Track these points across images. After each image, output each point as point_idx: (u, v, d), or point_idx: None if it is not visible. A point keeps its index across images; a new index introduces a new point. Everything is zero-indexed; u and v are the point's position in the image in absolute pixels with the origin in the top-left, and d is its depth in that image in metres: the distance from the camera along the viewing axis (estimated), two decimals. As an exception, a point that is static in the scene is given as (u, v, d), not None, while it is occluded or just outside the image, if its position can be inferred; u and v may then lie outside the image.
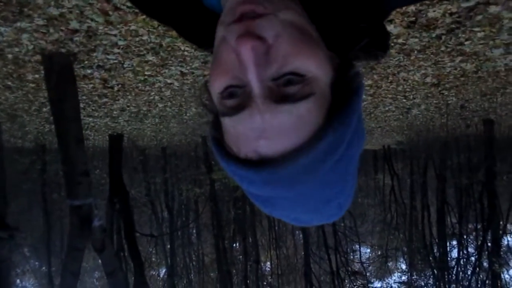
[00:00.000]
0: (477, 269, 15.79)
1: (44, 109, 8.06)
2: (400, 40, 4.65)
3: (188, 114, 9.56)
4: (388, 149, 27.55)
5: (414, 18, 4.07)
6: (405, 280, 18.94)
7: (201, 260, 19.51)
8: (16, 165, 16.27)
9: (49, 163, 17.09)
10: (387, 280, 20.01)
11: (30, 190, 17.34)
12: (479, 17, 4.06)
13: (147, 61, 5.08)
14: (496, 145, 14.70)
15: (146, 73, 5.62)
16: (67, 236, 5.42)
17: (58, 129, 4.93)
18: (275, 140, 0.42)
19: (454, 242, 18.09)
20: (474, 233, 17.64)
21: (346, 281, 18.68)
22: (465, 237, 17.85)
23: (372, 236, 22.91)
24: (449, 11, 3.92)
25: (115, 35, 4.22)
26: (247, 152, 0.44)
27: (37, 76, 5.59)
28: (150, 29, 4.10)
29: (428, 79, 6.60)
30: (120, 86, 6.33)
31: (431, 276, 17.37)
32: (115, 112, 8.78)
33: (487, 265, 15.10)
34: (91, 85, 6.21)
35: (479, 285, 15.44)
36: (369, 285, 19.46)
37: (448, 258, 17.53)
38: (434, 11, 3.90)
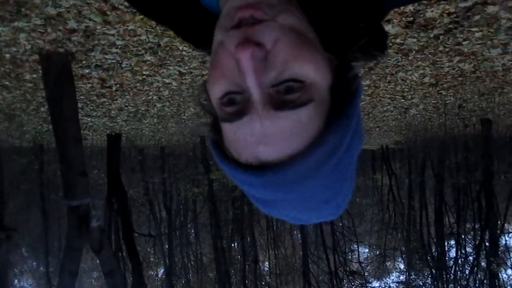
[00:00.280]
0: (475, 268, 15.82)
1: (42, 109, 8.05)
2: (398, 40, 4.65)
3: (186, 114, 9.55)
4: (386, 149, 27.58)
5: (412, 18, 4.08)
6: (403, 280, 18.96)
7: (199, 260, 19.50)
8: (14, 165, 16.25)
9: (47, 163, 17.07)
10: (385, 280, 20.03)
11: (28, 190, 17.30)
12: (476, 17, 4.07)
13: (145, 60, 5.08)
14: (494, 145, 14.75)
15: (144, 72, 5.62)
16: (65, 236, 5.42)
17: (56, 129, 4.92)
18: (275, 146, 0.42)
19: (452, 242, 18.11)
20: (472, 232, 17.67)
21: (344, 281, 18.70)
22: (463, 236, 17.88)
23: (370, 235, 22.93)
24: (447, 11, 3.93)
25: (113, 35, 4.21)
26: (247, 158, 0.44)
27: (35, 75, 5.58)
28: (148, 29, 4.10)
29: (426, 79, 6.61)
30: (118, 85, 6.32)
31: (429, 276, 17.38)
32: (113, 112, 8.77)
33: (485, 265, 15.13)
34: (89, 85, 6.20)
35: (477, 285, 15.46)
36: (367, 284, 19.48)
37: (446, 258, 17.55)
38: (432, 11, 3.90)
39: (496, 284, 14.79)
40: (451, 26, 4.28)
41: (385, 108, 9.66)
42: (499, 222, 16.34)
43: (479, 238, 16.31)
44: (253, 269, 18.48)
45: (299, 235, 20.66)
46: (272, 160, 0.42)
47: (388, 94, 7.88)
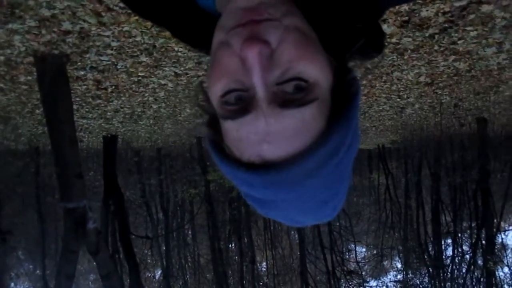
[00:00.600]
0: (472, 267, 15.88)
1: (37, 111, 8.01)
2: (393, 40, 4.67)
3: (182, 115, 9.54)
4: (382, 148, 27.65)
5: (407, 18, 4.09)
6: (401, 279, 19.01)
7: (196, 261, 19.47)
8: (9, 167, 16.17)
9: (43, 166, 16.99)
10: (382, 279, 20.08)
11: (24, 192, 17.23)
12: (471, 16, 4.08)
13: (140, 62, 5.06)
14: (490, 144, 14.81)
15: (139, 74, 5.60)
16: (62, 238, 5.40)
17: (52, 131, 4.90)
18: (278, 144, 0.42)
19: (449, 241, 18.18)
20: (468, 231, 17.74)
21: (342, 280, 18.73)
22: (459, 235, 17.95)
23: (367, 235, 22.97)
24: (442, 11, 3.94)
25: (108, 36, 4.20)
26: (250, 156, 0.44)
27: (29, 78, 5.56)
28: (144, 30, 4.09)
29: (421, 78, 6.63)
30: (113, 87, 6.31)
31: (426, 275, 17.44)
32: (109, 114, 8.75)
33: (482, 263, 15.19)
34: (85, 87, 6.18)
35: (474, 283, 15.53)
36: (364, 284, 19.52)
37: (443, 256, 17.62)
38: (427, 10, 3.92)
39: (493, 282, 14.86)
40: (446, 25, 4.30)
41: (381, 108, 9.68)
42: (495, 221, 16.42)
43: (475, 236, 16.38)
44: (251, 270, 18.48)
45: (296, 235, 20.67)
46: (275, 159, 0.42)
47: (384, 94, 7.90)
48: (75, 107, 6.53)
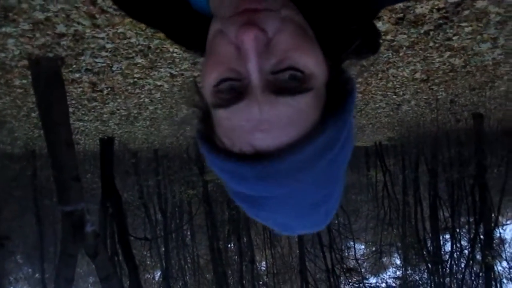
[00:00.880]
0: (471, 262, 15.94)
1: (33, 114, 7.98)
2: (388, 37, 4.67)
3: (179, 116, 9.51)
4: (379, 146, 27.67)
5: (402, 15, 4.09)
6: (400, 275, 19.05)
7: (196, 261, 19.47)
8: (6, 171, 16.12)
9: (40, 169, 16.94)
10: (382, 276, 20.12)
11: (21, 196, 17.17)
12: (466, 12, 4.09)
13: (136, 63, 5.05)
14: (486, 139, 14.86)
15: (135, 75, 5.59)
16: (60, 242, 5.37)
17: (48, 134, 4.88)
18: (272, 133, 0.41)
19: (447, 236, 18.24)
20: (466, 226, 17.80)
21: (341, 278, 18.75)
22: (457, 230, 18.01)
23: (366, 232, 23.01)
24: (436, 7, 3.95)
25: (102, 38, 4.18)
26: (241, 145, 0.43)
27: (24, 81, 5.53)
28: (138, 31, 4.07)
29: (417, 75, 6.64)
30: (109, 89, 6.29)
31: (426, 270, 17.49)
32: (105, 116, 8.72)
33: (480, 258, 15.25)
34: (80, 89, 6.16)
35: (473, 278, 15.59)
36: (364, 281, 19.55)
37: (442, 252, 17.68)
38: (422, 7, 3.92)
39: (492, 276, 14.91)
40: (441, 21, 4.30)
41: (377, 105, 9.69)
42: (493, 215, 16.48)
43: (473, 231, 16.43)
44: (250, 269, 18.49)
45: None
46: (268, 149, 0.41)
47: (380, 91, 7.91)
48: (71, 109, 6.50)
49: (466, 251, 16.80)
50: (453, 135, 17.05)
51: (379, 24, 4.20)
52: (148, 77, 5.70)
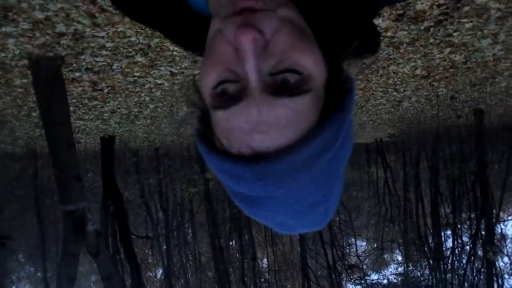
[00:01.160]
0: (472, 257, 15.94)
1: (34, 114, 7.99)
2: (389, 34, 4.66)
3: (179, 114, 9.51)
4: (380, 142, 27.69)
5: (402, 11, 4.09)
6: (401, 272, 19.05)
7: (197, 259, 19.50)
8: (7, 171, 16.14)
9: (41, 168, 16.97)
10: (383, 272, 20.12)
11: (22, 196, 17.20)
12: (466, 8, 4.08)
13: (136, 62, 5.05)
14: (487, 135, 14.85)
15: (135, 74, 5.58)
16: (62, 241, 5.39)
17: (48, 134, 4.88)
18: (270, 134, 0.41)
19: (449, 232, 18.24)
20: (468, 222, 17.80)
21: (343, 274, 18.77)
22: (459, 226, 18.02)
23: (367, 229, 23.03)
24: (436, 3, 3.94)
25: (102, 37, 4.18)
26: (240, 147, 0.43)
27: (25, 81, 5.53)
28: (138, 30, 4.07)
29: (418, 71, 6.63)
30: (109, 88, 6.29)
31: (427, 267, 17.50)
32: (105, 115, 8.73)
33: (482, 254, 15.25)
34: (80, 88, 6.16)
35: (474, 274, 15.59)
36: (366, 278, 19.56)
37: (443, 248, 17.69)
38: (422, 3, 3.91)
39: (493, 272, 14.92)
40: (441, 18, 4.30)
41: (378, 102, 9.68)
42: (494, 211, 16.48)
43: (475, 227, 16.43)
44: (252, 267, 18.51)
45: (296, 231, 20.68)
46: (266, 150, 0.41)
47: (381, 88, 7.90)
48: (71, 109, 6.51)
49: (467, 247, 16.80)
50: (454, 131, 17.03)
51: (379, 21, 4.20)
52: (148, 76, 5.70)
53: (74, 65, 4.97)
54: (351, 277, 19.04)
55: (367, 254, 21.83)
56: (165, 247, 18.18)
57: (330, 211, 0.51)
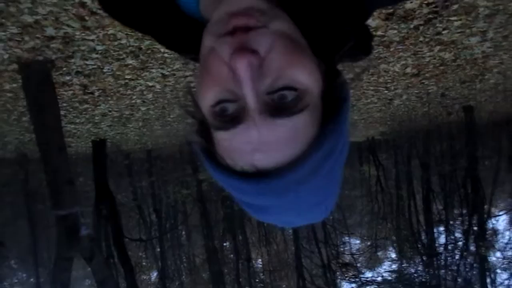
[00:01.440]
0: (465, 253, 16.08)
1: (24, 119, 7.90)
2: (379, 33, 4.68)
3: (171, 116, 9.48)
4: (372, 141, 27.80)
5: (392, 10, 4.11)
6: (395, 269, 19.14)
7: (192, 261, 19.44)
8: (-3, 177, 15.96)
9: (32, 173, 16.78)
10: (377, 270, 20.17)
11: (13, 201, 17.02)
12: (455, 6, 4.11)
13: (127, 65, 5.02)
14: (477, 131, 14.98)
15: (126, 77, 5.55)
16: (55, 246, 5.34)
17: (39, 138, 4.84)
18: (271, 153, 0.42)
19: (441, 228, 18.38)
20: (460, 218, 17.95)
21: (337, 273, 18.83)
22: (451, 222, 18.16)
23: (360, 227, 23.13)
24: (425, 2, 3.97)
25: (92, 40, 4.15)
26: (242, 165, 0.44)
27: (14, 85, 5.47)
28: (129, 33, 4.05)
29: (408, 70, 6.68)
30: (100, 91, 6.24)
31: (421, 263, 17.61)
32: (97, 118, 8.66)
33: (474, 249, 15.39)
34: (71, 92, 6.11)
35: (467, 269, 15.72)
36: (360, 275, 19.62)
37: (436, 244, 17.82)
38: (411, 2, 3.94)
39: (486, 267, 15.06)
40: (430, 16, 4.33)
41: (369, 100, 9.73)
42: (485, 207, 16.64)
43: (467, 223, 16.58)
44: (247, 267, 18.50)
45: (290, 230, 20.71)
46: (268, 167, 0.42)
47: (372, 86, 7.94)
48: (62, 112, 6.44)
49: (460, 243, 16.94)
50: (444, 128, 17.18)
51: (369, 20, 4.21)
52: (139, 78, 5.67)
53: (64, 68, 4.92)
54: (346, 275, 19.10)
55: (361, 252, 21.90)
56: (159, 249, 18.09)
57: (331, 205, 0.53)
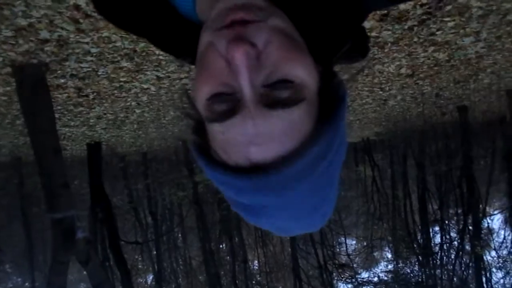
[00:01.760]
0: (460, 252, 16.14)
1: (18, 122, 7.85)
2: (373, 34, 4.70)
3: (166, 118, 9.47)
4: (367, 141, 27.86)
5: (386, 11, 4.12)
6: (392, 269, 19.19)
7: (188, 264, 19.38)
8: (-9, 180, 15.86)
9: (27, 177, 16.68)
10: (374, 270, 20.24)
11: (8, 205, 16.91)
12: (448, 7, 4.14)
13: (121, 67, 5.00)
14: (472, 131, 15.06)
15: (121, 79, 5.54)
16: (51, 250, 5.31)
17: (34, 141, 4.81)
18: (266, 146, 0.41)
19: (437, 228, 18.45)
20: (455, 217, 18.02)
21: (334, 274, 18.85)
22: (446, 222, 18.23)
23: (356, 227, 23.16)
24: (419, 3, 3.99)
25: (87, 43, 4.14)
26: (237, 159, 0.43)
27: (8, 88, 5.44)
28: (123, 35, 4.04)
29: (402, 70, 6.70)
30: (95, 94, 6.22)
31: (417, 263, 17.66)
32: (91, 121, 8.63)
33: (470, 248, 15.45)
34: (66, 95, 6.08)
35: (463, 268, 15.78)
36: (356, 276, 19.66)
37: (432, 244, 17.87)
38: (405, 3, 3.95)
39: (481, 266, 15.12)
40: (424, 17, 4.35)
41: (364, 101, 9.76)
42: (480, 206, 16.71)
43: (462, 222, 16.65)
44: (243, 269, 18.47)
45: (287, 232, 20.70)
46: (263, 161, 0.42)
47: (367, 87, 7.96)
48: (57, 115, 6.42)
49: (455, 242, 17.01)
50: (439, 128, 17.25)
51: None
52: (134, 81, 5.66)
53: (59, 71, 4.90)
54: (342, 276, 19.12)
55: (357, 253, 21.95)
56: (155, 252, 18.02)
57: (328, 213, 0.52)
